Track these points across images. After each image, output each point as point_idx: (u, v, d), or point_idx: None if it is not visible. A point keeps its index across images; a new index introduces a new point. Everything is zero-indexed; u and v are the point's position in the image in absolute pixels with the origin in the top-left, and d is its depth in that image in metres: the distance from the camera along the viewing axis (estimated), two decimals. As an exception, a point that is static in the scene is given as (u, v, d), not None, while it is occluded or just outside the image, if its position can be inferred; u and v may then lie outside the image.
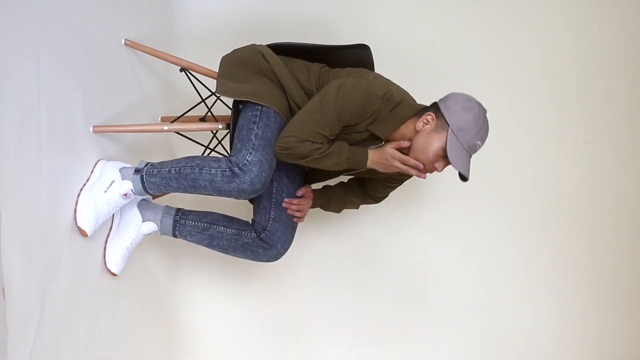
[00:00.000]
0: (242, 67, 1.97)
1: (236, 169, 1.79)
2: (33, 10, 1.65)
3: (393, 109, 1.87)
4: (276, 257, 2.06)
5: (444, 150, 1.81)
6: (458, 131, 1.79)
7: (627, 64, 2.67)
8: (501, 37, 2.69)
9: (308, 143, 1.81)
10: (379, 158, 1.88)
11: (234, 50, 2.05)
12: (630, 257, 2.68)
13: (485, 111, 1.85)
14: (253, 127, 1.85)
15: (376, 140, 1.93)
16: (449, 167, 1.88)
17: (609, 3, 2.67)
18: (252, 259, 2.07)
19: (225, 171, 1.80)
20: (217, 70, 2.08)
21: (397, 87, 1.94)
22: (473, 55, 2.69)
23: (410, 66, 2.64)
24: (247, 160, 1.79)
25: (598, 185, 2.68)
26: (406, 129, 1.88)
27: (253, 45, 2.04)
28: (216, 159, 1.85)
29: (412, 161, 1.85)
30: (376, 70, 2.08)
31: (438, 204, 2.69)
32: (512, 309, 2.70)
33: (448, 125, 1.81)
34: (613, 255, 2.68)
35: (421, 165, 1.85)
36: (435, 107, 1.87)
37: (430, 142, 1.83)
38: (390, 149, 1.85)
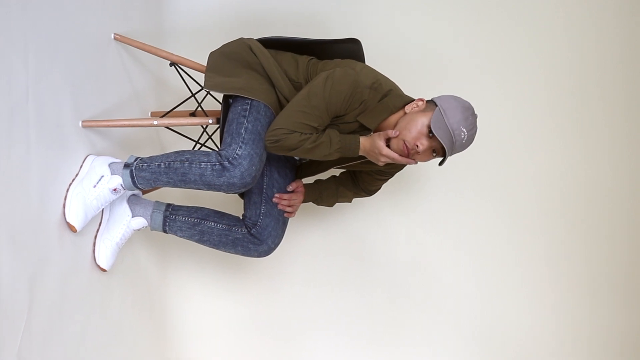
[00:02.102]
0: (230, 61, 1.97)
1: (226, 163, 1.78)
2: (22, 4, 1.63)
3: (381, 100, 1.87)
4: (267, 252, 2.05)
5: (429, 127, 1.80)
6: (445, 110, 1.79)
7: (625, 62, 2.67)
8: (495, 31, 2.69)
9: (297, 134, 1.81)
10: (370, 147, 1.87)
11: (222, 45, 2.05)
12: (626, 254, 2.69)
13: (475, 115, 1.84)
14: (243, 121, 1.84)
15: (365, 130, 1.93)
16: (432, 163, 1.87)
17: (606, 2, 2.68)
18: (243, 254, 2.06)
19: (215, 165, 1.79)
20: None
21: (385, 78, 1.94)
22: (467, 51, 2.69)
23: (401, 61, 2.64)
24: (237, 154, 1.79)
25: (594, 180, 2.69)
26: (394, 119, 1.89)
27: (241, 39, 2.03)
28: (206, 153, 1.84)
29: (399, 158, 1.84)
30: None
31: (431, 199, 2.70)
32: (506, 304, 2.71)
33: (436, 105, 1.83)
34: (609, 251, 2.69)
35: (405, 155, 1.83)
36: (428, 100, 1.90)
37: (416, 118, 1.82)
38: (379, 142, 1.83)
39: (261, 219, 2.04)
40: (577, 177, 2.69)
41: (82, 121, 1.95)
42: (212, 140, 2.27)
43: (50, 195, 1.77)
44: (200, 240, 2.07)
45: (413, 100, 1.91)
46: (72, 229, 1.83)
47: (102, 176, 1.88)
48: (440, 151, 1.83)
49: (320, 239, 2.73)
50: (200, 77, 2.17)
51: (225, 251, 2.08)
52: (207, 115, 2.15)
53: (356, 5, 2.69)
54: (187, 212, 2.07)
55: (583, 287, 2.70)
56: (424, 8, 2.70)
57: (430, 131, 1.79)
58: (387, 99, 1.88)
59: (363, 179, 2.18)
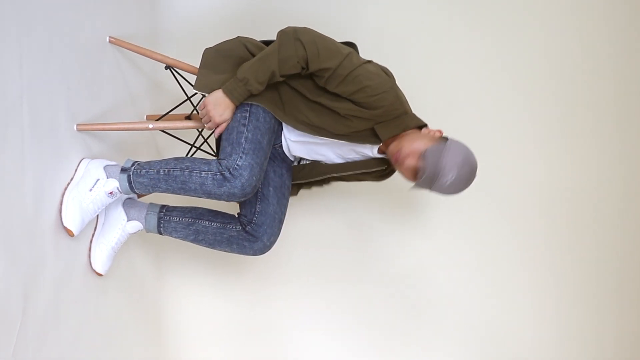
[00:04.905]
0: (224, 58, 1.95)
1: (227, 173, 1.78)
2: (16, 7, 1.63)
3: (398, 117, 1.87)
4: (262, 250, 2.04)
5: (422, 154, 1.80)
6: (449, 149, 1.79)
7: (624, 63, 2.68)
8: (492, 34, 2.70)
9: (300, 47, 1.80)
10: (219, 95, 1.85)
11: (218, 43, 2.02)
12: (627, 259, 2.69)
13: (473, 177, 1.83)
14: (243, 130, 1.84)
15: (374, 138, 1.90)
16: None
17: (601, 7, 2.70)
18: (239, 252, 2.05)
19: (216, 175, 1.79)
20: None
21: (406, 99, 1.95)
22: (466, 53, 2.69)
23: (399, 64, 2.63)
24: (237, 165, 1.78)
25: (595, 186, 2.69)
26: (403, 137, 1.88)
27: (238, 37, 2.01)
28: (206, 162, 1.83)
29: (209, 123, 1.87)
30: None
31: (432, 201, 2.70)
32: (507, 308, 2.71)
33: (447, 141, 1.83)
34: (612, 255, 2.69)
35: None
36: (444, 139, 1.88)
37: (423, 139, 1.84)
38: (228, 109, 1.85)
39: (256, 217, 2.03)
40: (578, 181, 2.68)
41: (77, 125, 1.94)
42: (207, 143, 2.27)
43: (45, 199, 1.76)
44: (195, 240, 2.06)
45: (425, 124, 1.92)
46: (69, 233, 1.82)
47: (98, 179, 1.87)
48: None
49: (317, 239, 2.72)
50: (196, 80, 2.16)
51: (221, 250, 2.07)
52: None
53: (352, 7, 2.70)
54: (181, 212, 2.06)
55: (585, 292, 2.69)
56: (421, 11, 2.71)
57: (420, 157, 1.80)
58: (405, 117, 1.89)
59: (330, 183, 2.23)
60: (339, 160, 2.05)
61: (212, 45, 2.02)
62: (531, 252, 2.70)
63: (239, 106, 1.89)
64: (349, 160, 2.04)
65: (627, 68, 2.68)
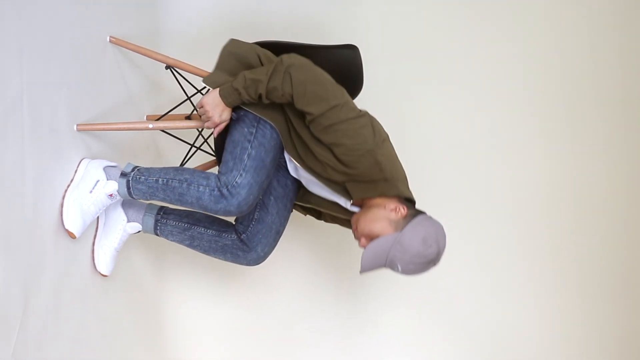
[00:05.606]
0: (236, 61, 1.90)
1: (225, 190, 1.77)
2: (16, 7, 1.62)
3: (375, 181, 1.79)
4: (256, 260, 2.03)
5: (374, 238, 1.78)
6: (398, 243, 1.75)
7: (622, 63, 2.68)
8: (491, 37, 2.70)
9: (287, 79, 1.73)
10: (216, 96, 1.82)
11: (234, 40, 1.94)
12: (631, 260, 2.68)
13: (430, 265, 1.78)
14: (247, 145, 1.81)
15: (345, 193, 1.84)
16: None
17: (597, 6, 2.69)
18: (233, 261, 2.04)
19: (213, 190, 1.78)
20: (202, 68, 2.08)
21: (399, 166, 1.86)
22: (465, 55, 2.68)
23: (399, 66, 2.64)
24: (236, 182, 1.77)
25: (598, 187, 2.69)
26: (377, 202, 1.82)
27: (254, 46, 1.95)
28: (205, 176, 1.82)
29: (208, 122, 1.85)
30: (364, 71, 2.08)
31: (432, 204, 2.68)
32: (507, 309, 2.70)
33: (400, 232, 1.76)
34: (602, 255, 2.69)
35: (209, 125, 1.85)
36: (415, 212, 1.82)
37: (379, 224, 1.78)
38: (220, 106, 1.82)
39: (253, 224, 2.01)
40: (581, 181, 2.68)
41: (77, 125, 1.94)
42: (207, 143, 2.26)
43: (45, 200, 1.75)
44: (190, 245, 2.06)
45: (408, 197, 1.85)
46: (71, 236, 1.82)
47: (98, 181, 1.87)
48: None
49: (317, 241, 2.72)
50: (196, 80, 2.16)
51: (215, 257, 2.06)
52: (202, 119, 2.15)
53: (353, 10, 2.69)
54: (178, 216, 2.05)
55: (589, 292, 2.69)
56: (421, 14, 2.70)
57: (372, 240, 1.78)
58: (384, 184, 1.80)
59: (324, 217, 2.15)
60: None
61: (231, 42, 1.93)
62: (534, 252, 2.70)
63: (248, 120, 1.85)
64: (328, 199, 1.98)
65: (633, 69, 2.67)
